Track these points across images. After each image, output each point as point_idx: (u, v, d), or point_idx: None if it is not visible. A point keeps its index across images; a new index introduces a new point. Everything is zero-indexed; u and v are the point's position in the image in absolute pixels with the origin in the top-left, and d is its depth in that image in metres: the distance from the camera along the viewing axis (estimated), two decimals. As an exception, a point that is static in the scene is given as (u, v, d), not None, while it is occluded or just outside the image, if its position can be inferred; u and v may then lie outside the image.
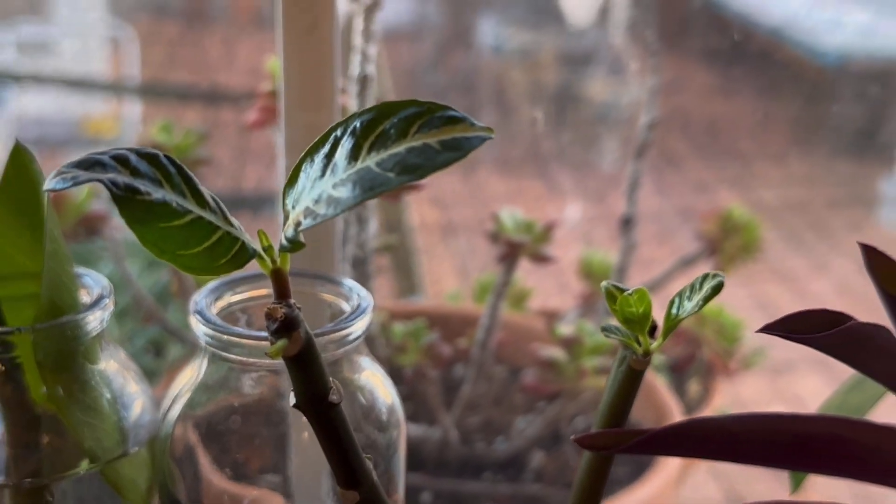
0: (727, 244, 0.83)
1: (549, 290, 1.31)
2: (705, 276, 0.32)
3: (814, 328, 0.29)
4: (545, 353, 0.57)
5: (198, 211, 0.23)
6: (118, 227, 0.58)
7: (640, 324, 0.32)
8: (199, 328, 0.33)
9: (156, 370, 0.65)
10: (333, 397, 0.26)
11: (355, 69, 0.53)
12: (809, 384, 1.47)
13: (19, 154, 0.32)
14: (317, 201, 0.23)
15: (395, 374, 0.62)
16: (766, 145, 2.01)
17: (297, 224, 0.23)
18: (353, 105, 0.54)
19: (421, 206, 1.85)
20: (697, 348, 0.78)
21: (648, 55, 0.60)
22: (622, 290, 0.31)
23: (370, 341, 0.57)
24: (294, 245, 0.23)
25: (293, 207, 0.24)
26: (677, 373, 0.77)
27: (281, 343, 0.24)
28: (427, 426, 0.61)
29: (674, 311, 0.32)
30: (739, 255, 0.82)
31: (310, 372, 0.25)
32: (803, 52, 1.92)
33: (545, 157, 2.11)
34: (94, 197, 0.56)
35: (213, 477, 0.35)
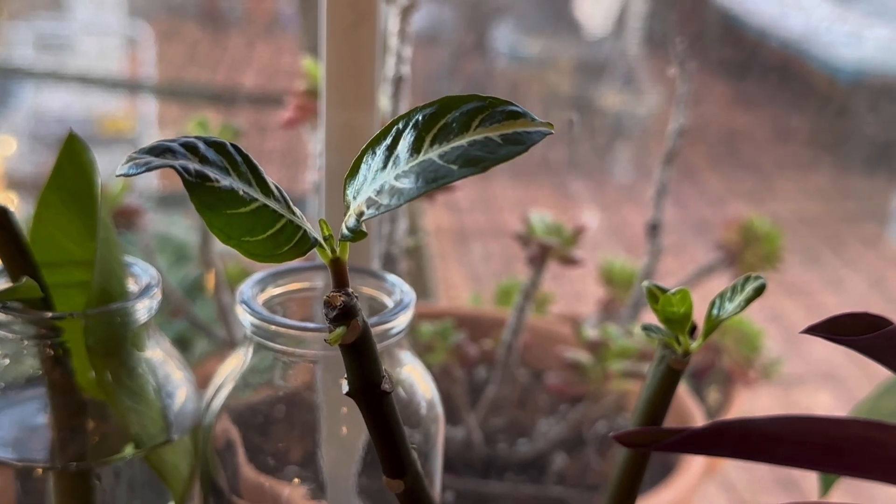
0: (748, 254, 0.83)
1: (567, 297, 1.32)
2: (747, 278, 0.32)
3: (856, 331, 0.30)
4: (570, 355, 0.57)
5: (263, 199, 0.23)
6: (150, 222, 0.59)
7: (680, 324, 0.32)
8: (245, 318, 0.33)
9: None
10: (386, 386, 0.26)
11: (390, 70, 0.53)
12: (819, 399, 1.47)
13: (73, 143, 0.33)
14: (379, 192, 0.23)
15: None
16: (781, 159, 2.01)
17: (360, 214, 0.24)
18: (387, 106, 0.55)
19: (435, 211, 1.86)
20: (717, 356, 0.78)
21: (678, 63, 0.60)
22: (664, 290, 0.32)
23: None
24: (356, 234, 0.24)
25: (354, 198, 0.24)
26: (697, 380, 0.77)
27: (340, 331, 0.24)
28: (451, 426, 0.62)
29: (715, 311, 0.32)
30: (760, 265, 0.82)
31: (364, 360, 0.25)
32: (821, 67, 1.92)
33: (560, 165, 2.11)
34: (128, 190, 0.57)
35: (253, 465, 0.35)
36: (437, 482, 0.37)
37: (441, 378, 0.59)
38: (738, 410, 0.79)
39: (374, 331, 0.33)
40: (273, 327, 0.33)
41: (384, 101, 0.55)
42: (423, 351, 0.58)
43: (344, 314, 0.24)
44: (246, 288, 0.34)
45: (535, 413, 0.62)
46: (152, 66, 2.35)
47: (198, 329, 0.64)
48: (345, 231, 0.24)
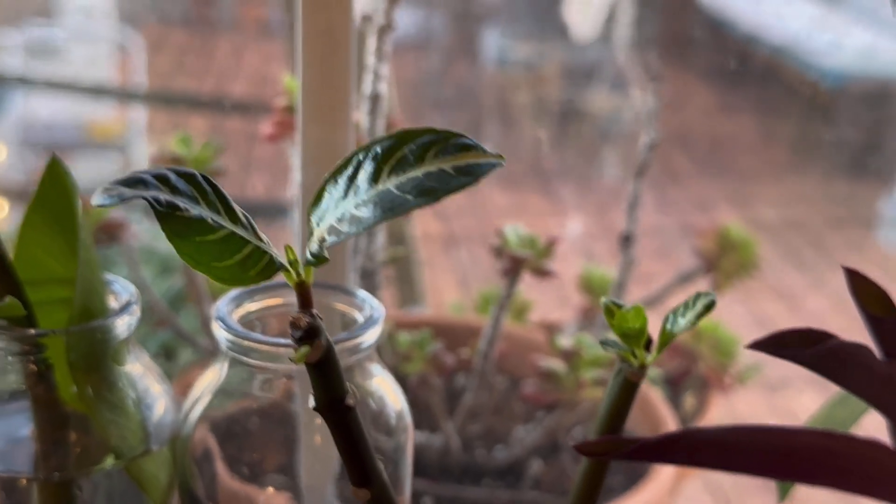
0: (724, 261, 0.85)
1: (550, 303, 1.33)
2: (698, 295, 0.34)
3: (800, 345, 0.31)
4: (545, 364, 0.59)
5: (230, 227, 0.25)
6: (135, 235, 0.60)
7: (636, 338, 0.34)
8: (220, 334, 0.35)
9: (168, 374, 0.67)
10: (350, 401, 0.28)
11: (367, 87, 0.55)
12: (804, 401, 1.49)
13: (55, 166, 0.34)
14: (340, 220, 0.25)
15: (400, 382, 0.64)
16: (766, 164, 2.03)
17: (322, 241, 0.25)
18: (364, 122, 0.56)
19: (424, 218, 1.87)
20: (693, 363, 0.80)
21: (649, 78, 0.62)
22: (620, 307, 0.33)
23: (377, 350, 0.59)
24: (318, 259, 0.25)
25: (318, 225, 0.25)
26: (673, 386, 0.78)
27: (304, 350, 0.26)
28: (429, 433, 0.63)
29: (668, 326, 0.34)
30: (736, 273, 0.84)
31: (329, 377, 0.27)
32: (805, 72, 1.94)
33: (547, 170, 2.13)
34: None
35: (229, 476, 0.37)
36: (406, 490, 0.38)
37: (419, 387, 0.60)
38: (714, 416, 0.81)
39: (345, 345, 0.35)
40: (247, 343, 0.34)
41: (362, 118, 0.56)
42: (400, 360, 0.59)
43: (308, 334, 0.26)
44: (222, 305, 0.36)
45: (512, 420, 0.64)
46: (142, 74, 2.36)
47: (182, 339, 0.65)
48: (308, 257, 0.25)
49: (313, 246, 0.25)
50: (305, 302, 0.26)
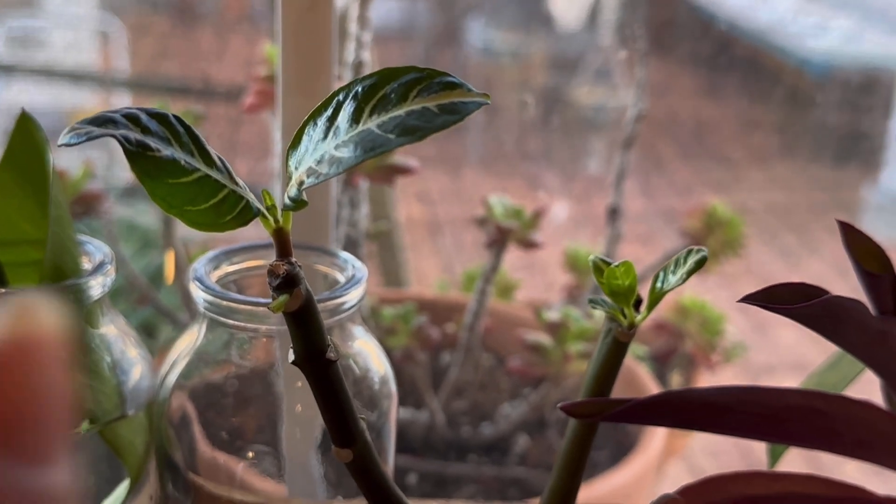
0: (711, 240, 0.84)
1: (536, 286, 1.33)
2: (689, 251, 0.33)
3: (793, 300, 0.30)
4: (531, 337, 0.58)
5: (205, 169, 0.24)
6: (113, 208, 0.59)
7: (625, 296, 0.33)
8: (198, 294, 0.34)
9: (149, 350, 0.66)
10: (331, 354, 0.27)
11: (350, 56, 0.54)
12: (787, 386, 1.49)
13: (25, 122, 0.33)
14: (319, 161, 0.24)
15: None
16: (750, 150, 2.03)
17: (301, 183, 0.24)
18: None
19: (408, 202, 1.86)
20: (680, 340, 0.79)
21: (636, 49, 0.61)
22: (609, 263, 0.32)
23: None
24: (297, 204, 0.24)
25: (296, 168, 0.25)
26: (660, 364, 0.78)
27: (283, 298, 0.25)
28: (415, 409, 0.62)
29: (658, 284, 0.33)
30: (722, 251, 0.83)
31: (309, 328, 0.26)
32: (788, 58, 1.94)
33: (532, 158, 2.12)
34: (90, 177, 0.57)
35: (209, 441, 0.36)
36: (390, 458, 0.37)
37: (403, 361, 0.59)
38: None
39: (327, 305, 0.34)
40: (225, 303, 0.33)
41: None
42: (385, 334, 0.58)
43: (287, 282, 0.25)
44: (199, 265, 0.35)
45: (498, 396, 0.63)
46: (125, 60, 2.34)
47: (163, 316, 0.64)
48: (287, 201, 0.25)
49: (292, 190, 0.24)
50: (284, 250, 0.25)
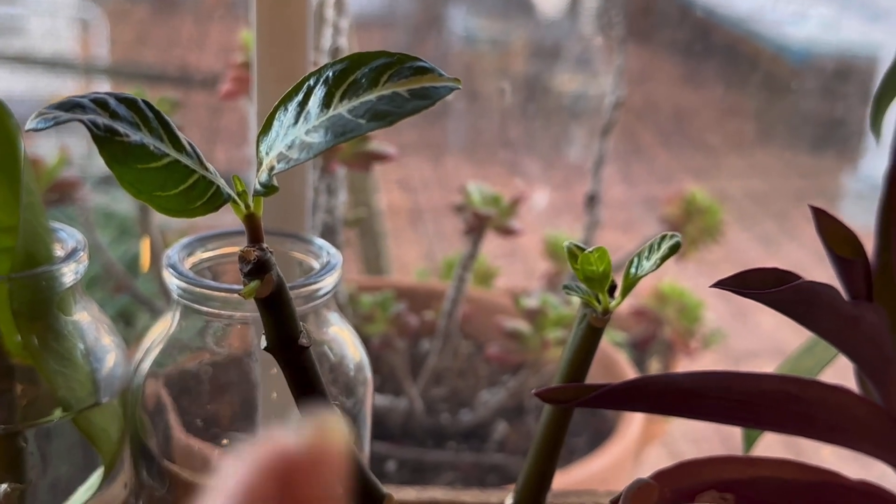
0: (689, 227, 0.85)
1: (517, 274, 1.33)
2: (663, 237, 0.33)
3: (765, 285, 0.30)
4: (510, 324, 0.58)
5: (174, 154, 0.24)
6: (89, 195, 0.59)
7: (599, 282, 0.33)
8: (172, 281, 0.33)
9: (126, 339, 0.66)
10: (303, 340, 0.27)
11: (327, 42, 0.54)
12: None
13: (-4, 108, 0.33)
14: (290, 147, 0.24)
15: (363, 343, 0.63)
16: (730, 136, 2.03)
17: (271, 169, 0.24)
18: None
19: (389, 190, 1.86)
20: (659, 327, 0.80)
21: (614, 37, 0.61)
22: (583, 249, 0.32)
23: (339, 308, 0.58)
24: (268, 189, 0.24)
25: (267, 153, 0.24)
26: (639, 350, 0.78)
27: (253, 284, 0.25)
28: (394, 397, 0.62)
29: (632, 270, 0.33)
30: (701, 238, 0.83)
31: (281, 314, 0.26)
32: (768, 45, 1.94)
33: (513, 146, 2.12)
34: (66, 164, 0.57)
35: (183, 428, 0.35)
36: (366, 445, 0.37)
37: (382, 348, 0.59)
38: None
39: (302, 292, 0.34)
40: (199, 290, 0.33)
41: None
42: (363, 322, 0.58)
43: (258, 268, 0.25)
44: (173, 252, 0.34)
45: (477, 383, 0.63)
46: (104, 48, 2.33)
47: (141, 304, 0.64)
48: (257, 186, 0.24)
49: (262, 175, 0.24)
50: (255, 235, 0.25)
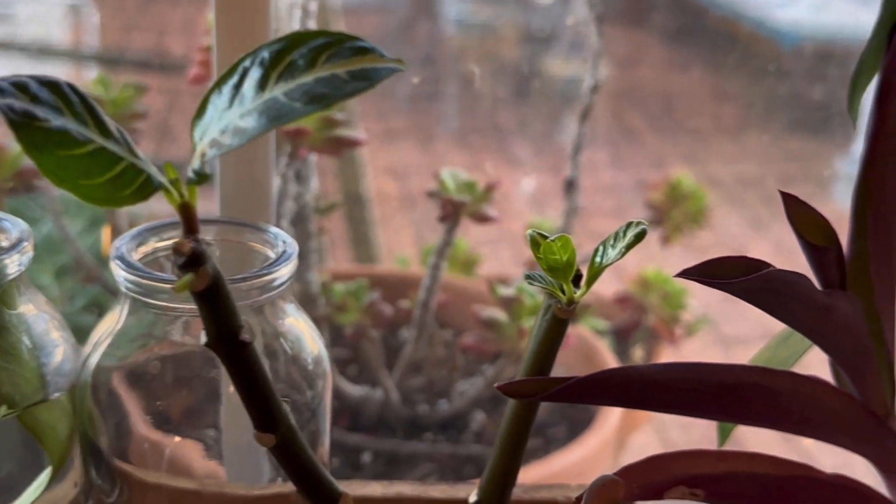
0: (675, 213, 0.84)
1: (505, 260, 1.32)
2: (629, 225, 0.32)
3: (733, 274, 0.29)
4: (486, 313, 0.57)
5: (100, 141, 0.22)
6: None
7: (563, 272, 0.32)
8: (119, 273, 0.32)
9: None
10: (245, 336, 0.26)
11: (295, 24, 0.52)
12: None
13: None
14: (223, 132, 0.23)
15: (336, 333, 0.62)
16: (721, 121, 2.02)
17: (203, 155, 0.23)
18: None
19: (378, 177, 1.85)
20: (642, 314, 0.79)
21: (594, 18, 0.60)
22: (545, 237, 0.31)
23: (310, 301, 0.57)
24: (200, 177, 0.23)
25: (200, 139, 0.23)
26: (622, 338, 0.77)
27: (188, 277, 0.23)
28: (370, 388, 0.61)
29: (598, 259, 0.32)
30: (686, 224, 0.82)
31: (219, 309, 0.25)
32: (758, 28, 1.93)
33: (504, 131, 2.11)
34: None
35: (136, 425, 0.34)
36: (325, 442, 0.36)
37: (356, 338, 0.58)
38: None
39: (256, 282, 0.32)
40: (146, 282, 0.32)
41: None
42: (335, 311, 0.57)
43: (192, 261, 0.23)
44: (121, 242, 0.33)
45: (454, 373, 0.62)
46: (94, 35, 2.30)
47: (111, 294, 0.62)
48: (190, 174, 0.23)
49: (195, 163, 0.23)
50: (190, 226, 0.24)
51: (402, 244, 1.65)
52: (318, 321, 0.55)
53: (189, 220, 0.24)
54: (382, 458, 0.58)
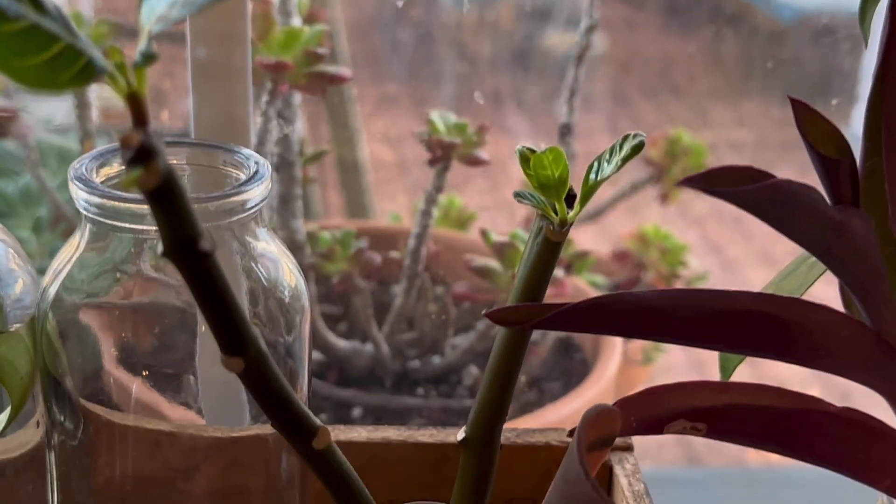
0: (674, 168, 0.82)
1: (501, 220, 1.29)
2: (626, 137, 0.30)
3: (737, 184, 0.27)
4: (478, 261, 0.55)
5: (34, 16, 0.20)
6: (30, 128, 0.55)
7: (556, 189, 0.30)
8: (78, 194, 0.30)
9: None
10: (205, 245, 0.23)
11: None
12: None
13: None
14: (172, 5, 0.20)
15: (324, 286, 0.60)
16: (716, 88, 2.00)
17: (150, 35, 0.21)
18: (277, 18, 0.52)
19: (374, 144, 1.82)
20: (641, 271, 0.77)
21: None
22: (534, 151, 0.29)
23: (296, 249, 0.55)
24: (147, 58, 0.21)
25: (148, 20, 0.21)
26: (620, 294, 0.75)
27: (136, 173, 0.21)
28: (360, 343, 0.59)
29: (592, 175, 0.30)
30: (686, 180, 0.80)
31: (174, 211, 0.22)
32: (758, 2, 1.90)
33: (502, 104, 2.09)
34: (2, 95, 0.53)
35: (102, 362, 0.32)
36: (304, 385, 0.34)
37: (343, 288, 0.56)
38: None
39: (227, 203, 0.30)
40: (109, 202, 0.29)
41: (276, 15, 0.51)
42: (321, 260, 0.55)
43: (141, 155, 0.21)
44: (81, 162, 0.31)
45: (447, 326, 0.60)
46: (89, 5, 2.28)
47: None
48: (137, 57, 0.21)
49: (142, 43, 0.21)
50: (140, 117, 0.22)
51: (397, 210, 1.63)
52: (304, 271, 0.53)
53: (138, 111, 0.21)
54: (372, 413, 0.56)
